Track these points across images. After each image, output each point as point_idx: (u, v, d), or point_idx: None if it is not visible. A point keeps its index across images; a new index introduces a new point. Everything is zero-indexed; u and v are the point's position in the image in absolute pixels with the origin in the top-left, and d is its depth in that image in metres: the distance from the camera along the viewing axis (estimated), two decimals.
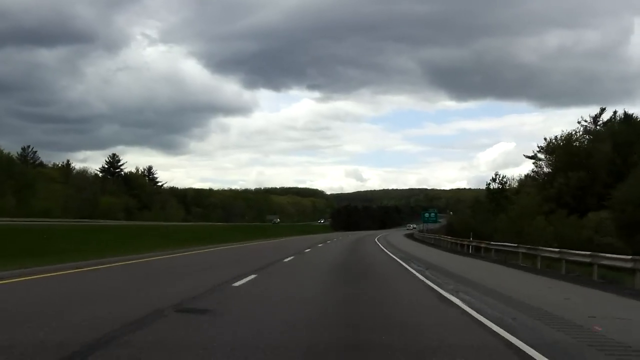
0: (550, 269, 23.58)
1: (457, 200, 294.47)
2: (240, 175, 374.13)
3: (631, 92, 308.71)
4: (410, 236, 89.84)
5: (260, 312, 9.52)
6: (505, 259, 30.86)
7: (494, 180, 58.73)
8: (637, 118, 46.44)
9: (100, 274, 15.87)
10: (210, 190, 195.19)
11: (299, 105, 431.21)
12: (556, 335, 8.14)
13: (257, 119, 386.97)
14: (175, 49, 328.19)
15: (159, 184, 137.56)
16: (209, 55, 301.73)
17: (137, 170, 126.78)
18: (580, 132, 49.59)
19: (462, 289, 14.44)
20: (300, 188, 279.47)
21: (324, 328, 8.11)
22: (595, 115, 50.86)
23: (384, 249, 40.00)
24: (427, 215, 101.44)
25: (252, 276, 15.52)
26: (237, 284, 13.65)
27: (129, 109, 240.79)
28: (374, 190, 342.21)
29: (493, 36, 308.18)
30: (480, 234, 48.38)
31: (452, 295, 12.91)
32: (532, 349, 6.90)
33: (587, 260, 20.57)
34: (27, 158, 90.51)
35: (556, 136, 49.04)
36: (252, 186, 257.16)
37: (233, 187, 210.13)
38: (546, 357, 6.58)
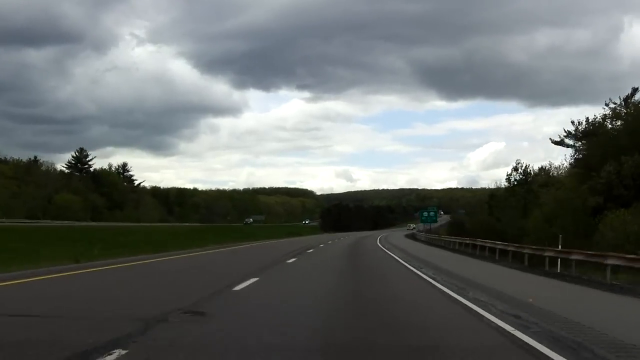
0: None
1: (450, 200, 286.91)
2: (230, 176, 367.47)
3: (622, 91, 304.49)
4: (415, 237, 79.94)
5: None
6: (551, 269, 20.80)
7: (515, 169, 48.00)
8: None
9: None
10: (195, 190, 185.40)
11: (288, 105, 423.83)
12: None
13: (247, 120, 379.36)
14: (164, 49, 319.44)
15: (136, 182, 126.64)
16: (198, 55, 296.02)
17: (110, 167, 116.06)
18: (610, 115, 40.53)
19: None
20: (290, 188, 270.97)
21: None
22: (627, 96, 41.37)
23: (414, 270, 29.29)
24: (425, 214, 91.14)
25: None
26: None
27: (118, 109, 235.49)
28: (365, 190, 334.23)
29: (483, 35, 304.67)
30: (504, 234, 38.04)
31: None
32: None
33: None
34: None
35: (588, 118, 39.54)
36: (242, 187, 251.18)
37: (222, 188, 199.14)
38: None
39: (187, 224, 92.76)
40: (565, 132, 47.83)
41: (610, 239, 22.89)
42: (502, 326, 8.11)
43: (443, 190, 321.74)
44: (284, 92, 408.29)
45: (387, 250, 36.18)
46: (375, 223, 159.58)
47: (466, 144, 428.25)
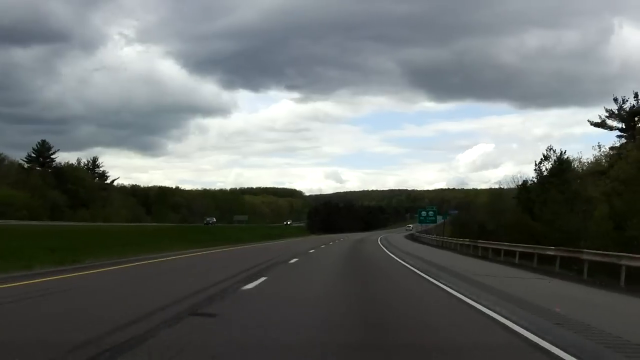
0: None
1: (441, 200, 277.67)
2: (219, 177, 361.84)
3: (611, 93, 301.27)
4: (419, 239, 69.89)
5: None
6: None
7: (545, 158, 37.64)
8: None
9: None
10: (176, 189, 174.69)
11: (277, 106, 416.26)
12: None
13: (236, 120, 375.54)
14: (153, 49, 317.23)
15: (109, 180, 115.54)
16: (187, 55, 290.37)
17: (79, 162, 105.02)
18: None
19: None
20: (278, 188, 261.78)
21: None
22: None
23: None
24: (424, 213, 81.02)
25: None
26: None
27: (107, 109, 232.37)
28: (354, 191, 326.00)
29: (473, 36, 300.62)
30: (546, 237, 28.05)
31: None
32: None
33: None
34: None
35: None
36: (230, 188, 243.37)
37: (209, 189, 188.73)
38: None
39: (160, 224, 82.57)
40: (606, 112, 37.96)
41: None
42: None
43: (434, 190, 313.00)
44: (273, 93, 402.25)
45: (414, 268, 25.85)
46: (366, 224, 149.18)
47: (455, 145, 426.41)
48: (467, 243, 38.00)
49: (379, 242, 50.15)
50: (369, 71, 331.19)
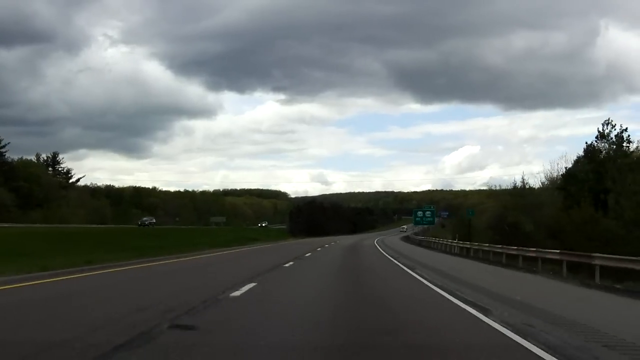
0: None
1: (429, 202, 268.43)
2: (204, 179, 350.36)
3: (597, 94, 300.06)
4: (424, 244, 59.39)
5: None
6: None
7: (602, 136, 27.33)
8: None
9: None
10: (152, 189, 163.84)
11: (263, 107, 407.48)
12: None
13: (222, 122, 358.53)
14: (138, 50, 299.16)
15: (74, 178, 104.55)
16: (172, 57, 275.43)
17: (39, 157, 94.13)
18: None
19: None
20: (262, 190, 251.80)
21: None
22: None
23: None
24: (420, 214, 71.12)
25: None
26: None
27: (91, 111, 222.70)
28: (340, 193, 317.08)
29: (459, 37, 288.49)
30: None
31: None
32: None
33: None
34: None
35: None
36: (214, 190, 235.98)
37: (190, 190, 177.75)
38: None
39: (111, 225, 72.14)
40: None
41: None
42: None
43: (422, 192, 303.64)
44: (258, 94, 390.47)
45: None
46: (354, 225, 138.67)
47: (441, 147, 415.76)
48: (499, 250, 27.76)
49: (386, 253, 36.23)
50: (355, 72, 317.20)
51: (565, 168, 34.16)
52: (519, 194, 41.39)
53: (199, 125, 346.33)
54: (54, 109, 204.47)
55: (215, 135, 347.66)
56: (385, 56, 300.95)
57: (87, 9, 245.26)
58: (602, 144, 27.41)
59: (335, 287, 14.20)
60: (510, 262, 25.95)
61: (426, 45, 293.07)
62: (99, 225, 68.80)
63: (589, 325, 8.46)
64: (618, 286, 15.28)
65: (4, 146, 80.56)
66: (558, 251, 21.16)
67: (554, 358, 6.18)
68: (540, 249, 23.14)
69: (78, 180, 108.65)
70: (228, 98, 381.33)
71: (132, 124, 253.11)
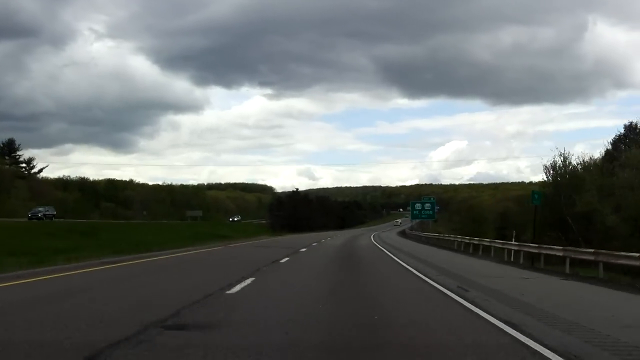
0: None
1: (418, 196, 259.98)
2: (191, 174, 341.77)
3: (585, 90, 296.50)
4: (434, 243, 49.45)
5: None
6: None
7: None
8: None
9: None
10: (129, 182, 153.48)
11: (250, 102, 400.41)
12: None
13: (209, 117, 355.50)
14: (124, 45, 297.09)
15: (36, 169, 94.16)
16: (158, 51, 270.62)
17: None
18: None
19: None
20: (247, 184, 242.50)
21: None
22: None
23: None
24: (419, 206, 61.69)
25: None
26: None
27: (77, 106, 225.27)
28: (327, 188, 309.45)
29: (447, 32, 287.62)
30: None
31: None
32: None
33: None
34: None
35: None
36: (198, 184, 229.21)
37: (169, 183, 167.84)
38: None
39: (82, 220, 61.82)
40: None
41: None
42: None
43: (410, 186, 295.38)
44: (245, 89, 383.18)
45: None
46: (342, 220, 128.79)
47: (428, 142, 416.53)
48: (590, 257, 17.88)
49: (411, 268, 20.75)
50: (342, 67, 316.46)
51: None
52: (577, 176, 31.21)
53: (185, 120, 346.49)
54: (40, 104, 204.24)
55: (202, 130, 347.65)
56: (373, 51, 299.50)
57: (72, 3, 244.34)
58: None
59: None
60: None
61: (414, 40, 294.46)
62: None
63: None
64: None
65: None
66: None
67: None
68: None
69: (40, 170, 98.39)
70: (215, 93, 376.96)
71: (119, 118, 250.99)
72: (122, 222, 58.13)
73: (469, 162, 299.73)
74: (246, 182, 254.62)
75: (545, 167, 34.65)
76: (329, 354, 6.10)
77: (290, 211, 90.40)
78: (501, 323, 8.04)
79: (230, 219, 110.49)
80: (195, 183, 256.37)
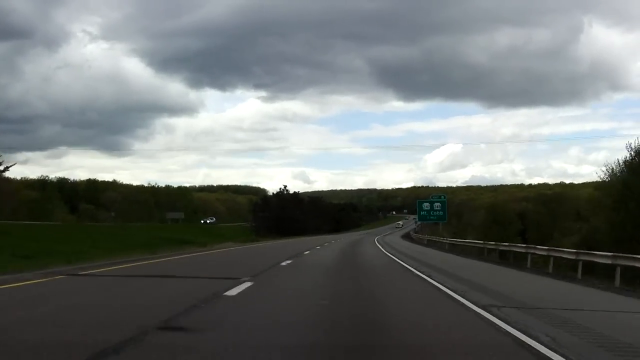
0: None
1: (416, 199, 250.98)
2: (186, 177, 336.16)
3: (580, 92, 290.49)
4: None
5: None
6: None
7: None
8: None
9: None
10: (112, 182, 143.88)
11: (245, 105, 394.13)
12: None
13: (203, 120, 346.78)
14: (118, 47, 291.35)
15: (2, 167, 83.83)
16: (152, 53, 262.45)
17: None
18: None
19: None
20: (240, 186, 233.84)
21: None
22: None
23: None
24: (426, 206, 52.28)
25: None
26: None
27: (71, 108, 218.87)
28: (322, 191, 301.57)
29: (443, 34, 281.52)
30: None
31: None
32: None
33: None
34: None
35: None
36: (190, 186, 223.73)
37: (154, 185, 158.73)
38: None
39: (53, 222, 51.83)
40: None
41: None
42: None
43: (407, 189, 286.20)
44: (240, 92, 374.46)
45: None
46: (337, 223, 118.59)
47: (423, 145, 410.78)
48: None
49: None
50: (337, 70, 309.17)
51: None
52: None
53: (180, 123, 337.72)
54: (33, 106, 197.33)
55: (197, 133, 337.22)
56: (368, 53, 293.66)
57: (66, 5, 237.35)
58: None
59: None
60: None
61: (409, 42, 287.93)
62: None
63: None
64: None
65: None
66: None
67: None
68: None
69: (6, 169, 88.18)
70: (209, 95, 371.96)
71: (113, 121, 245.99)
72: (59, 224, 47.30)
73: (464, 165, 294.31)
74: (239, 184, 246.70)
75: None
76: None
77: (277, 212, 79.45)
78: None
79: (203, 221, 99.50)
80: (188, 186, 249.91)
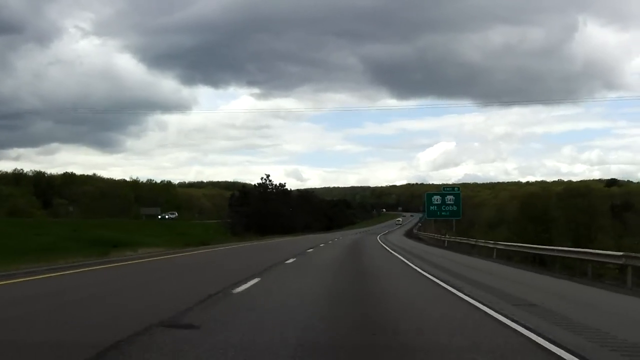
0: None
1: (411, 197, 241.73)
2: (179, 175, 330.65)
3: (574, 91, 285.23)
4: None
5: None
6: None
7: None
8: None
9: None
10: (92, 176, 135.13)
11: (238, 102, 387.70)
12: None
13: (196, 117, 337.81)
14: (110, 43, 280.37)
15: None
16: (145, 49, 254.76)
17: None
18: None
19: None
20: (230, 182, 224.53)
21: None
22: None
23: None
24: (437, 199, 43.32)
25: None
26: None
27: (63, 104, 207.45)
28: (315, 188, 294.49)
29: (436, 32, 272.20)
30: None
31: None
32: None
33: None
34: None
35: None
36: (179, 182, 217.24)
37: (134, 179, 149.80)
38: None
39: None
40: None
41: None
42: None
43: (401, 186, 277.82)
44: (233, 89, 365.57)
45: None
46: (329, 220, 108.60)
47: (416, 143, 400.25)
48: None
49: None
50: (331, 67, 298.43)
51: None
52: None
53: (172, 120, 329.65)
54: (25, 102, 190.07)
55: (189, 130, 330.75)
56: (361, 51, 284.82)
57: (58, 0, 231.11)
58: None
59: None
60: None
61: (403, 39, 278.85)
62: None
63: None
64: None
65: None
66: None
67: None
68: None
69: None
70: (202, 92, 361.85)
71: (105, 118, 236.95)
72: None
73: (456, 164, 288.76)
74: (229, 180, 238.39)
75: None
76: None
77: (258, 206, 68.62)
78: None
79: (161, 217, 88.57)
80: (177, 183, 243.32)
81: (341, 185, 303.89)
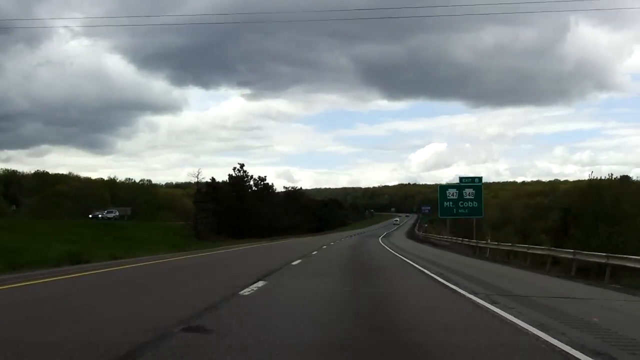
0: None
1: (404, 197, 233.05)
2: (170, 176, 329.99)
3: (566, 92, 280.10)
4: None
5: None
6: None
7: None
8: None
9: None
10: (68, 175, 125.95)
11: (229, 103, 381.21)
12: None
13: (187, 118, 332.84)
14: (100, 43, 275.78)
15: None
16: (135, 50, 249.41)
17: None
18: None
19: None
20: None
21: None
22: None
23: None
24: (453, 193, 34.50)
25: None
26: None
27: (53, 106, 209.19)
28: (306, 189, 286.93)
29: (428, 32, 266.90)
30: None
31: None
32: None
33: None
34: None
35: None
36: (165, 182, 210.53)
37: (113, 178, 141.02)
38: None
39: None
40: None
41: None
42: None
43: (393, 187, 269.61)
44: (224, 90, 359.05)
45: None
46: (319, 220, 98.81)
47: (408, 144, 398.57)
48: None
49: None
50: (322, 68, 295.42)
51: None
52: None
53: (163, 121, 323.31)
54: (14, 104, 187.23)
55: (180, 131, 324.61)
56: (353, 51, 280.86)
57: (47, 1, 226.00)
58: None
59: None
60: None
61: (394, 39, 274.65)
62: None
63: None
64: None
65: None
66: None
67: None
68: None
69: None
70: (193, 93, 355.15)
71: (95, 119, 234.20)
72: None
73: (448, 165, 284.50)
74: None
75: None
76: None
77: (230, 204, 57.33)
78: None
79: (92, 215, 73.57)
80: (165, 184, 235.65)
81: (332, 186, 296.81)
